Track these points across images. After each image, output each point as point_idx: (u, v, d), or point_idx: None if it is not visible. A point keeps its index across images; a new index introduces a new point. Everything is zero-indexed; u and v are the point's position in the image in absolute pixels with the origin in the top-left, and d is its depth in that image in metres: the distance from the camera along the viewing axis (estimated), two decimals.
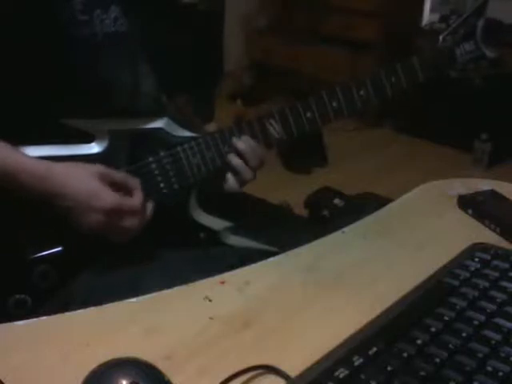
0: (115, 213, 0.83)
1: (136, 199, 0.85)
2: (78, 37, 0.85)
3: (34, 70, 0.85)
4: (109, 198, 0.83)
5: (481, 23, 0.96)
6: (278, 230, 1.01)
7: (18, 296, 0.82)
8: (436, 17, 3.08)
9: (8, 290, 0.83)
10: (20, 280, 0.84)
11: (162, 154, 0.91)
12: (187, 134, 0.94)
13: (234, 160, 0.93)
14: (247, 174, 0.93)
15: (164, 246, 0.89)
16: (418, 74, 0.96)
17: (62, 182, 0.81)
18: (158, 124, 0.92)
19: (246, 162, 0.93)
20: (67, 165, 0.83)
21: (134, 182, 0.87)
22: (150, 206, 0.88)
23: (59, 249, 0.86)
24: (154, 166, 0.91)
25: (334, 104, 0.95)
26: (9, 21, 0.82)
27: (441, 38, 0.97)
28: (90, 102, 0.87)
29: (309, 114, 0.95)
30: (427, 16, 3.15)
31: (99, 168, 0.85)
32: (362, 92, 0.95)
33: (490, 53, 0.96)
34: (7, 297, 0.82)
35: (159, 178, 0.91)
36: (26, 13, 0.83)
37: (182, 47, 0.99)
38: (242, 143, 0.93)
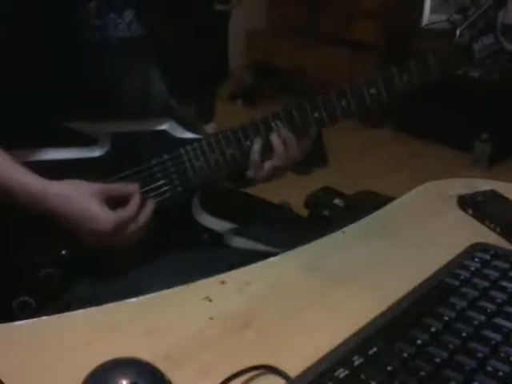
0: (114, 233, 0.82)
1: (132, 204, 0.85)
2: (91, 41, 0.85)
3: (44, 73, 0.84)
4: (106, 220, 0.82)
5: (501, 15, 0.91)
6: (280, 232, 1.00)
7: (22, 298, 0.82)
8: (436, 17, 3.08)
9: (12, 292, 0.83)
10: (24, 283, 0.84)
11: (165, 157, 0.90)
12: (190, 135, 0.93)
13: (276, 141, 0.90)
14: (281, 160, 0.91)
15: (167, 248, 0.89)
16: (433, 72, 0.92)
17: (58, 205, 0.81)
18: (161, 126, 0.92)
19: (286, 149, 0.91)
20: (65, 185, 0.82)
21: (132, 188, 0.86)
22: (149, 206, 0.88)
23: (63, 252, 0.86)
24: (156, 169, 0.90)
25: (343, 103, 0.92)
26: (21, 23, 0.82)
27: (458, 32, 0.92)
28: (101, 106, 0.87)
29: (316, 114, 0.93)
30: (427, 16, 3.15)
31: (98, 186, 0.84)
32: (372, 90, 0.92)
33: (510, 46, 0.91)
34: (12, 299, 0.82)
35: (162, 181, 0.91)
36: (39, 16, 0.83)
37: (194, 50, 0.98)
38: (288, 133, 0.91)
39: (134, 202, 0.85)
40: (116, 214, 0.83)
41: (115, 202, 0.84)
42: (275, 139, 0.90)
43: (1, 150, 0.81)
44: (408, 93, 0.93)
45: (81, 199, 0.82)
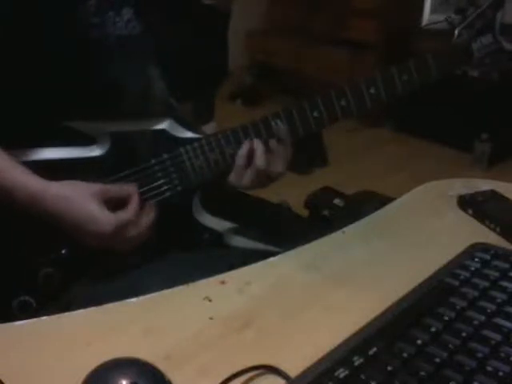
0: (113, 234, 0.82)
1: (131, 207, 0.84)
2: (91, 39, 0.85)
3: (44, 73, 0.84)
4: (106, 221, 0.81)
5: (499, 15, 0.91)
6: (280, 231, 1.00)
7: (22, 298, 0.82)
8: (436, 17, 3.08)
9: (12, 292, 0.83)
10: (24, 282, 0.84)
11: (164, 156, 0.90)
12: (190, 135, 0.93)
13: (260, 147, 0.89)
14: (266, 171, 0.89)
15: (167, 248, 0.89)
16: (432, 72, 0.92)
17: (58, 206, 0.80)
18: (161, 125, 0.92)
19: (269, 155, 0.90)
20: (64, 186, 0.82)
21: (130, 189, 0.86)
22: (151, 211, 0.87)
23: (63, 252, 0.86)
24: (156, 168, 0.90)
25: (343, 102, 0.92)
26: (21, 23, 0.82)
27: (456, 31, 0.92)
28: (101, 105, 0.87)
29: (316, 113, 0.93)
30: (427, 16, 3.15)
31: (97, 187, 0.83)
32: (372, 90, 0.92)
33: (508, 45, 0.92)
34: (12, 299, 0.82)
35: (162, 181, 0.91)
36: (39, 16, 0.83)
37: (193, 50, 0.98)
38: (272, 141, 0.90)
39: (133, 203, 0.85)
40: (116, 216, 0.82)
41: (114, 203, 0.84)
42: (259, 145, 0.89)
43: (0, 149, 0.81)
44: (407, 93, 0.93)
45: (80, 200, 0.81)
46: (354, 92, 0.92)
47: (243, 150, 0.89)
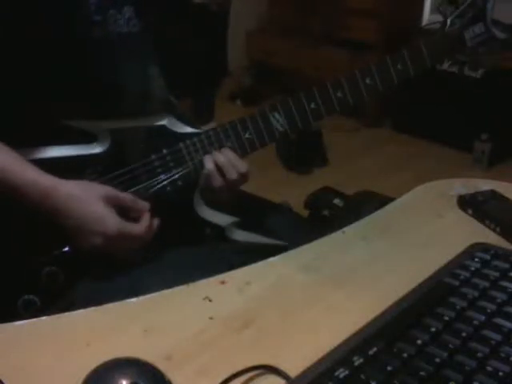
0: (117, 238, 0.83)
1: (142, 224, 0.85)
2: (92, 37, 0.85)
3: (45, 72, 0.85)
4: (112, 224, 0.82)
5: (490, 4, 0.92)
6: (282, 224, 1.01)
7: (26, 297, 0.82)
8: (436, 17, 3.08)
9: (17, 291, 0.83)
10: (28, 281, 0.84)
11: (164, 151, 0.91)
12: (189, 130, 0.94)
13: (208, 164, 0.92)
14: (218, 182, 0.92)
15: (169, 243, 0.89)
16: (426, 60, 0.93)
17: (67, 202, 0.81)
18: (160, 121, 0.92)
19: (222, 175, 0.92)
20: (76, 185, 0.83)
21: (143, 206, 0.87)
22: (155, 224, 0.88)
23: (66, 250, 0.86)
24: (157, 163, 0.91)
25: (339, 93, 0.93)
26: (21, 23, 0.82)
27: (448, 21, 0.94)
28: (100, 104, 0.87)
29: (313, 105, 0.93)
30: (427, 16, 3.15)
31: (108, 190, 0.84)
32: (367, 80, 0.93)
33: (500, 34, 0.93)
34: (16, 298, 0.82)
35: (162, 176, 0.91)
36: (40, 16, 0.83)
37: (193, 49, 0.98)
38: (221, 156, 0.92)
39: (145, 220, 0.86)
40: (121, 223, 0.83)
41: (124, 211, 0.84)
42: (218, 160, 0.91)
43: (11, 149, 0.81)
44: (402, 82, 0.94)
45: (90, 200, 0.82)
46: (350, 83, 0.93)
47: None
